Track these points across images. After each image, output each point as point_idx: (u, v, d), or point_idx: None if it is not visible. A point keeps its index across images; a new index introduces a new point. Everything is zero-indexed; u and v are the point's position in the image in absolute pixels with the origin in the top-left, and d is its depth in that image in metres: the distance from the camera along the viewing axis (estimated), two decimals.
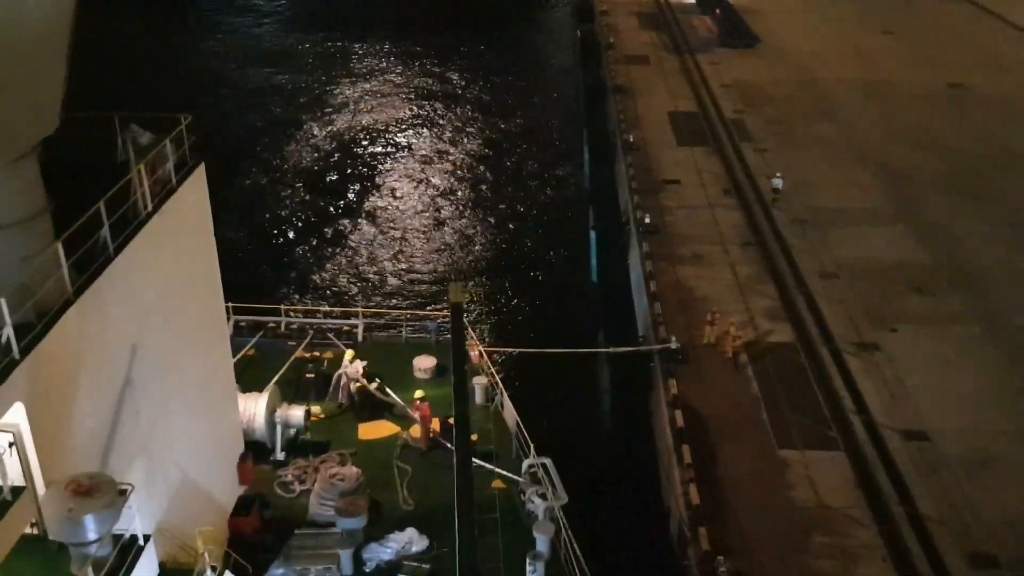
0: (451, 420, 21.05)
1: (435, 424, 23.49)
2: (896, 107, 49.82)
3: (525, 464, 21.09)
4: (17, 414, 12.48)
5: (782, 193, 38.33)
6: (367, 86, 66.40)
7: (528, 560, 17.89)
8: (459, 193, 50.20)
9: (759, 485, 23.76)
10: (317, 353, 26.88)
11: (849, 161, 43.12)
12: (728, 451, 24.93)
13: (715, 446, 25.08)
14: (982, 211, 38.18)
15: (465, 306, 23.80)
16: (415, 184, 51.25)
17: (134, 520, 12.59)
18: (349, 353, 24.97)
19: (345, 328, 28.32)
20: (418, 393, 23.96)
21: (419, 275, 42.24)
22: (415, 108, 62.17)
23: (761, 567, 21.25)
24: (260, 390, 23.37)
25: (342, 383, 24.76)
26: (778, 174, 38.89)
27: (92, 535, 11.89)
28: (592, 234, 42.61)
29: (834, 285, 32.68)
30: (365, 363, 25.11)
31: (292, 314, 28.66)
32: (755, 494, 23.45)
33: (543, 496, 19.82)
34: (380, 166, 53.70)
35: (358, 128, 59.01)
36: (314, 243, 45.25)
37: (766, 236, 36.15)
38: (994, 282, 33.03)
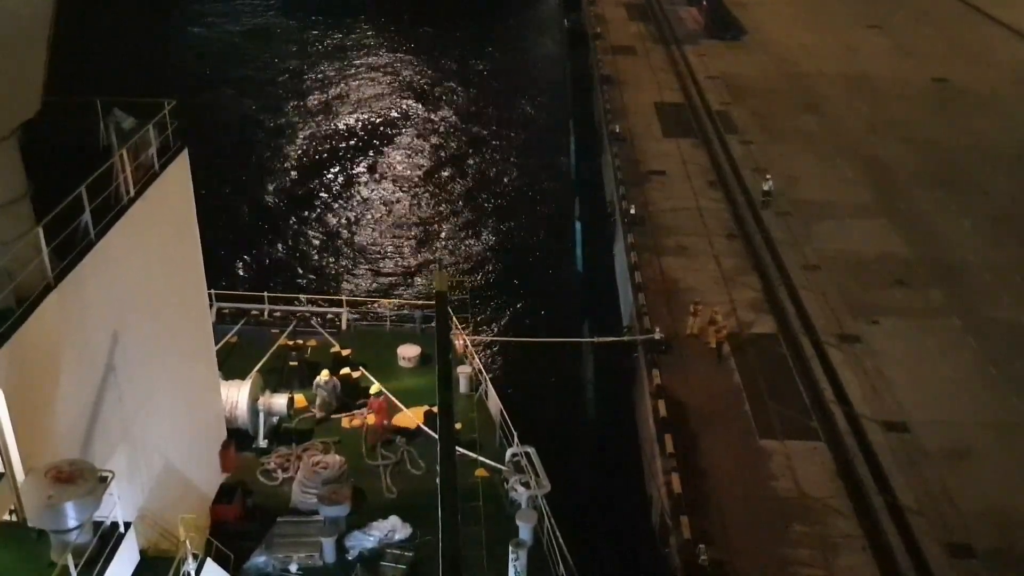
0: (435, 409, 21.04)
1: (419, 415, 23.50)
2: (880, 101, 50.05)
3: (508, 453, 21.14)
4: None
5: (773, 195, 37.38)
6: (352, 74, 66.01)
7: (511, 548, 17.93)
8: (445, 182, 50.08)
9: (740, 475, 23.94)
10: (300, 341, 26.78)
11: (833, 154, 43.32)
12: (710, 441, 25.09)
13: (697, 436, 25.23)
14: (964, 205, 38.46)
15: (450, 295, 23.71)
16: (400, 173, 51.08)
17: (115, 507, 12.53)
18: (324, 374, 23.99)
19: (329, 316, 28.22)
20: (373, 388, 23.62)
21: (404, 264, 42.16)
22: (401, 97, 61.89)
23: (741, 556, 21.43)
24: (243, 378, 23.26)
25: (319, 401, 23.92)
26: (768, 176, 38.01)
27: (72, 522, 11.81)
28: (577, 224, 42.67)
29: (816, 277, 32.88)
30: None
31: (275, 302, 28.51)
32: (736, 484, 23.63)
33: (526, 484, 19.88)
34: (365, 155, 53.46)
35: (343, 116, 58.71)
36: (298, 230, 45.05)
37: (750, 228, 36.31)
38: (974, 275, 33.32)
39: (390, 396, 24.15)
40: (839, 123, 47.09)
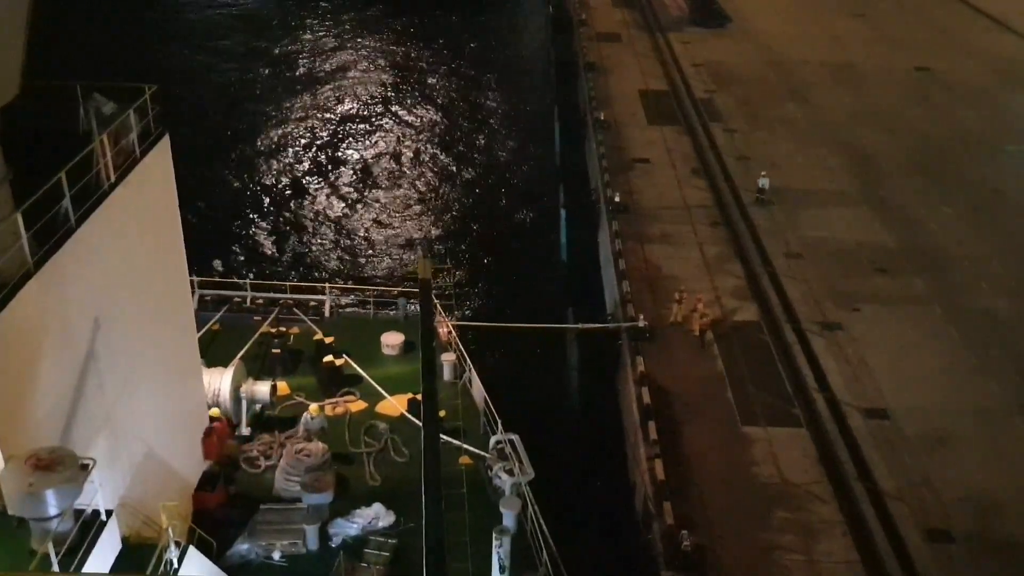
0: (419, 396, 21.03)
1: (403, 402, 23.46)
2: (864, 90, 50.26)
3: (492, 440, 21.18)
4: None
5: (768, 193, 36.94)
6: (336, 60, 65.53)
7: (494, 535, 17.95)
8: (429, 170, 49.90)
9: (723, 461, 24.11)
10: (283, 328, 26.66)
11: (816, 142, 43.49)
12: (693, 428, 25.23)
13: (680, 423, 25.37)
14: (945, 194, 38.74)
15: (434, 283, 23.63)
16: (384, 160, 50.84)
17: (96, 495, 12.46)
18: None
19: (312, 303, 28.11)
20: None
21: (388, 251, 42.03)
22: (385, 84, 61.53)
23: (724, 541, 21.60)
24: (225, 365, 23.15)
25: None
26: (764, 173, 37.48)
27: (53, 510, 11.75)
28: (562, 212, 42.63)
29: (799, 265, 33.06)
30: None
31: (258, 289, 28.35)
32: (719, 470, 23.80)
33: (510, 472, 19.93)
34: (349, 141, 53.16)
35: (327, 102, 58.31)
36: (281, 217, 44.79)
37: (734, 216, 36.42)
38: (955, 264, 33.60)
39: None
40: (822, 111, 47.24)
